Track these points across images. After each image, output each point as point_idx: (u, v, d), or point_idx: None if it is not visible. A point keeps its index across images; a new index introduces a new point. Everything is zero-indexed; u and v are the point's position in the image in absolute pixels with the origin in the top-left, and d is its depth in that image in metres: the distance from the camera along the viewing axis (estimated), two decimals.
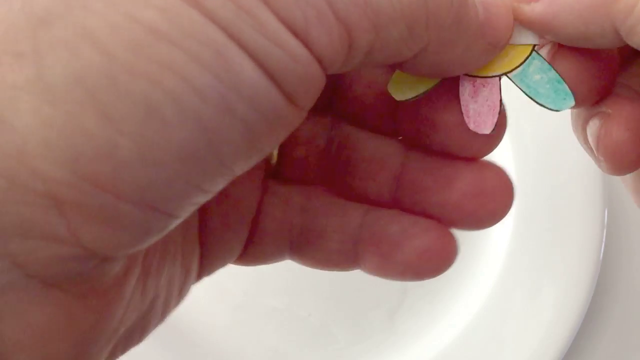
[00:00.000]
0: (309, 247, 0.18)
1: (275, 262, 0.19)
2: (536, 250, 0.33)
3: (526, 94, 0.16)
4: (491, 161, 0.17)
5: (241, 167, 0.12)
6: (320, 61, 0.12)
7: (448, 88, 0.16)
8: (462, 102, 0.16)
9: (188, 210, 0.12)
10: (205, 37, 0.11)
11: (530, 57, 0.16)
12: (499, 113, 0.16)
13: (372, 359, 0.34)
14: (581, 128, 0.18)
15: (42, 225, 0.11)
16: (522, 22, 0.16)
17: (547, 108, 0.16)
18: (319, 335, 0.34)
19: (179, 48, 0.11)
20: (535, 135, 0.33)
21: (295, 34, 0.11)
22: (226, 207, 0.17)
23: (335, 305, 0.34)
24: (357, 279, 0.34)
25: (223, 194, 0.17)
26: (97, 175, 0.11)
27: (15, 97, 0.10)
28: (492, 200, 0.17)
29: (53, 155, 0.10)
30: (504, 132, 0.17)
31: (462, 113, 0.16)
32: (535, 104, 0.16)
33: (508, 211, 0.17)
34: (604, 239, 0.31)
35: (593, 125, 0.17)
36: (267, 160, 0.19)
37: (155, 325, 0.16)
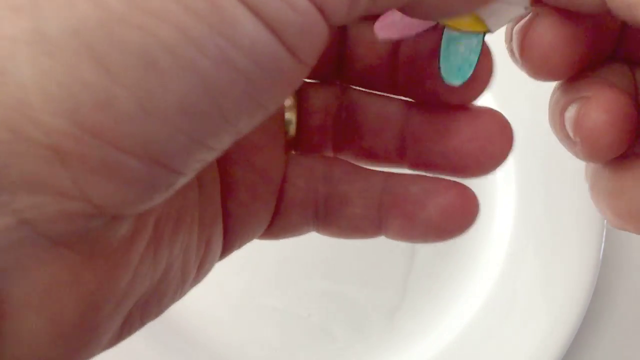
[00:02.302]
0: (333, 215, 0.18)
1: (301, 234, 0.19)
2: (536, 251, 0.33)
3: (439, 51, 0.16)
4: (488, 107, 0.17)
5: (246, 124, 0.12)
6: (322, 11, 0.12)
7: (430, 40, 0.16)
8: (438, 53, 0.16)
9: (194, 167, 0.12)
10: None
11: (484, 33, 0.16)
12: (475, 64, 0.16)
13: (372, 359, 0.34)
14: (559, 114, 0.18)
15: (47, 179, 0.11)
16: None
17: (439, 72, 0.16)
18: (319, 335, 0.34)
19: None
20: (535, 135, 0.33)
21: None
22: (253, 178, 0.18)
23: (335, 305, 0.34)
24: (357, 279, 0.34)
25: (249, 165, 0.17)
26: (98, 127, 0.11)
27: (14, 49, 0.10)
28: (491, 142, 0.17)
29: (53, 106, 0.10)
30: (489, 79, 0.17)
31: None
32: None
33: (507, 153, 0.17)
34: (603, 239, 0.31)
35: (572, 109, 0.17)
36: (286, 133, 0.19)
37: (173, 299, 0.16)
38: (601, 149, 0.16)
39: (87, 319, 0.12)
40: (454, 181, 0.18)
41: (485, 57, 0.16)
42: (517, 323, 0.32)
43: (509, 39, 0.18)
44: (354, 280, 0.34)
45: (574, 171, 0.32)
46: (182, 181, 0.12)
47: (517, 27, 0.17)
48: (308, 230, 0.19)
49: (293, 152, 0.19)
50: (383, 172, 0.18)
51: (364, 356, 0.34)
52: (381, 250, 0.34)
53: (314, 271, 0.34)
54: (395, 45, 0.17)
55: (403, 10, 0.14)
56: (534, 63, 0.17)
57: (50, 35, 0.11)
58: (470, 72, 0.16)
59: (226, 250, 0.18)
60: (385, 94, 0.18)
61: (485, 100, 0.38)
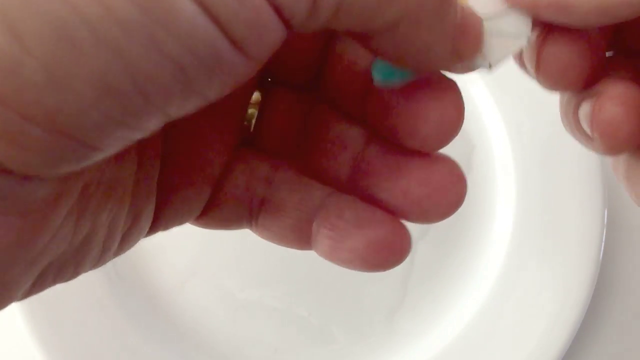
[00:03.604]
0: (267, 219, 0.18)
1: (233, 229, 0.19)
2: (536, 250, 0.33)
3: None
4: (446, 155, 0.17)
5: (177, 110, 0.12)
6: (278, 10, 0.11)
7: (426, 81, 0.16)
8: None
9: (115, 144, 0.12)
10: None
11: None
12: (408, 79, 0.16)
13: (372, 359, 0.34)
14: (572, 113, 0.18)
15: None
16: (536, 7, 0.16)
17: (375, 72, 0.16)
18: (319, 335, 0.34)
19: None
20: (535, 135, 0.33)
21: None
22: (191, 165, 0.17)
23: (335, 305, 0.34)
24: (357, 279, 0.34)
25: (191, 153, 0.17)
26: (1, 92, 0.10)
27: None
28: (439, 191, 0.17)
29: None
30: (455, 131, 0.16)
31: (412, 100, 0.16)
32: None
33: (457, 206, 0.17)
34: (603, 239, 0.31)
35: (586, 106, 0.17)
36: (241, 129, 0.19)
37: (92, 265, 0.16)
38: (619, 142, 0.16)
39: None
40: (391, 216, 0.17)
41: (455, 108, 0.16)
42: (517, 323, 0.32)
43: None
44: (354, 281, 0.34)
45: (574, 171, 0.32)
46: (99, 155, 0.12)
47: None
48: (241, 227, 0.19)
49: (244, 149, 0.19)
50: (326, 188, 0.18)
51: (364, 356, 0.34)
52: None
53: (314, 271, 0.34)
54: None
55: (367, 45, 0.14)
56: (552, 79, 0.17)
57: None
58: (398, 80, 0.16)
59: (153, 228, 0.17)
60: (352, 117, 0.18)
61: (484, 99, 0.38)
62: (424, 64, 0.15)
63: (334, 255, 0.17)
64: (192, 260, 0.34)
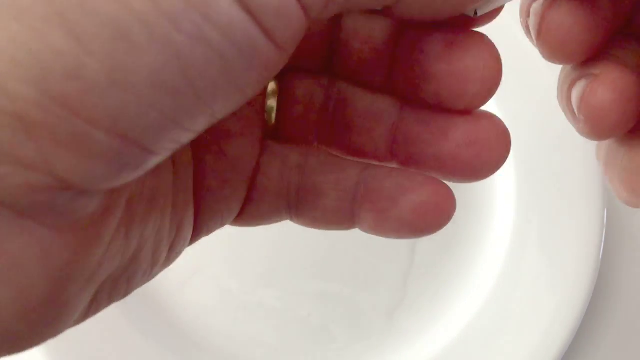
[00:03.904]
0: (306, 205, 0.18)
1: (274, 222, 0.19)
2: (536, 250, 0.33)
3: None
4: (486, 111, 0.17)
5: (222, 107, 0.12)
6: (298, 0, 0.12)
7: (440, 37, 0.16)
8: None
9: (166, 147, 0.12)
10: None
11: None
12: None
13: (372, 358, 0.34)
14: (567, 90, 0.17)
15: (10, 148, 0.10)
16: None
17: None
18: (318, 335, 0.34)
19: None
20: (535, 135, 0.33)
21: None
22: (224, 165, 0.17)
23: (335, 305, 0.34)
24: (356, 278, 0.34)
25: (221, 152, 0.17)
26: (66, 96, 0.10)
27: None
28: (487, 149, 0.16)
29: (21, 73, 0.10)
30: (496, 86, 0.16)
31: (454, 63, 0.16)
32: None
33: (504, 161, 0.17)
34: (603, 239, 0.31)
35: (579, 86, 0.17)
36: (265, 122, 0.19)
37: (143, 279, 0.16)
38: (605, 128, 0.16)
39: (56, 295, 0.12)
40: (431, 177, 0.17)
41: (496, 60, 0.16)
42: (517, 323, 0.32)
43: (525, 15, 0.17)
44: (353, 280, 0.34)
45: (574, 171, 0.32)
46: (154, 161, 0.12)
47: (535, 6, 0.17)
48: (281, 219, 0.19)
49: (270, 141, 0.19)
50: (360, 163, 0.18)
51: (363, 356, 0.34)
52: (381, 249, 0.34)
53: (313, 271, 0.34)
54: (393, 41, 0.17)
55: (391, 14, 0.14)
56: (552, 47, 0.16)
57: (20, 1, 0.10)
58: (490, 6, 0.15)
59: (195, 235, 0.17)
60: (379, 89, 0.18)
61: None
62: (455, 3, 0.14)
63: (380, 228, 0.17)
64: (192, 260, 0.34)
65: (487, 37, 0.16)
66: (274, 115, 0.19)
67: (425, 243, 0.34)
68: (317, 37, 0.17)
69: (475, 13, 0.15)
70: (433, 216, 0.17)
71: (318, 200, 0.18)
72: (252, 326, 0.34)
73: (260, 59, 0.12)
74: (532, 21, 0.17)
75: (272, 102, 0.19)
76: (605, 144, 0.18)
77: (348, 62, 0.18)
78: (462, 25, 0.16)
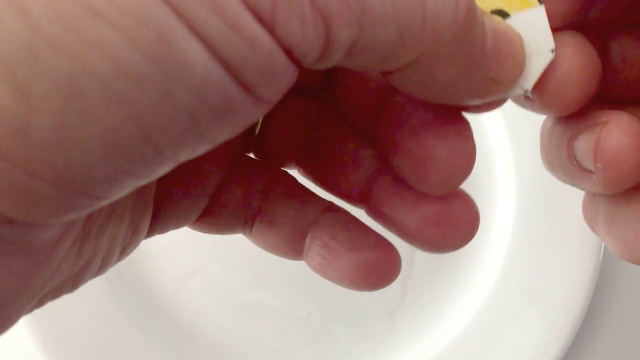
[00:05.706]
0: (260, 229, 0.18)
1: (227, 234, 0.19)
2: (536, 251, 0.33)
3: None
4: (462, 191, 0.16)
5: (187, 156, 0.12)
6: (288, 52, 0.11)
7: (420, 112, 0.15)
8: None
9: (119, 193, 0.12)
10: (147, 17, 0.10)
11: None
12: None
13: (372, 358, 0.34)
14: (566, 144, 0.17)
15: None
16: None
17: None
18: (319, 335, 0.34)
19: (112, 26, 0.10)
20: (535, 135, 0.33)
21: (260, 18, 0.10)
22: (189, 178, 0.17)
23: (335, 305, 0.34)
24: None
25: (189, 166, 0.17)
26: (7, 151, 0.10)
27: None
28: (453, 231, 0.16)
29: None
30: (467, 174, 0.16)
31: (420, 144, 0.15)
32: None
33: (468, 242, 0.16)
34: None
35: (586, 137, 0.16)
36: (248, 130, 0.18)
37: (89, 279, 0.16)
38: (624, 174, 0.15)
39: None
40: (384, 240, 0.17)
41: (466, 156, 0.15)
42: (517, 323, 0.32)
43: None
44: None
45: None
46: (105, 203, 0.12)
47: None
48: (236, 232, 0.19)
49: (245, 157, 0.18)
50: (323, 201, 0.18)
51: (364, 356, 0.34)
52: None
53: (313, 271, 0.34)
54: (388, 93, 0.16)
55: (390, 80, 0.13)
56: (547, 97, 0.15)
57: None
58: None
59: (147, 235, 0.17)
60: (364, 136, 0.17)
61: None
62: (456, 97, 0.14)
63: (323, 272, 0.18)
64: (192, 260, 0.34)
65: (468, 126, 0.15)
66: (258, 126, 0.18)
67: None
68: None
69: (525, 91, 0.15)
70: (375, 278, 0.17)
71: (272, 228, 0.18)
72: (252, 326, 0.34)
73: (236, 113, 0.11)
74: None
75: None
76: (595, 197, 0.17)
77: (343, 95, 0.17)
78: (453, 107, 0.15)
